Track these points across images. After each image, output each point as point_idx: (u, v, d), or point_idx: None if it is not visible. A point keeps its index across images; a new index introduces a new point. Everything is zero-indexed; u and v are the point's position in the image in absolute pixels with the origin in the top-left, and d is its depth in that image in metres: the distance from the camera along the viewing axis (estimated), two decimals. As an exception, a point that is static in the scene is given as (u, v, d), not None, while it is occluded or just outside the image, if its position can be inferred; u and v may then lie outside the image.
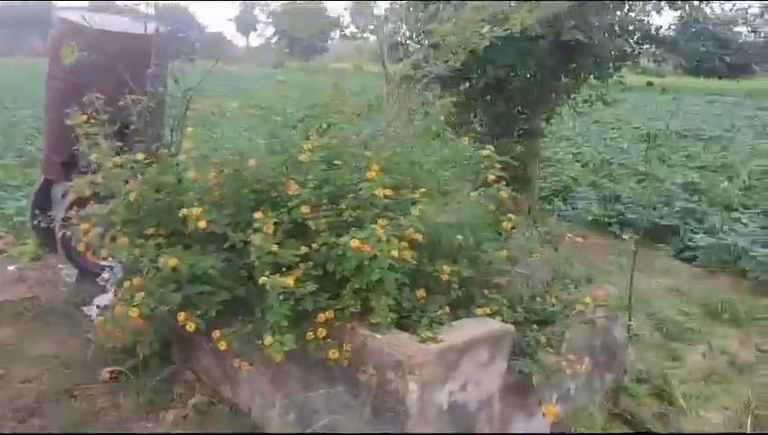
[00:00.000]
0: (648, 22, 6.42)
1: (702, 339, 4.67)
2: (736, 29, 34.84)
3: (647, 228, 7.29)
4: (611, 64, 6.60)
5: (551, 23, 5.18)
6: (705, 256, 6.28)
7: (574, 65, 6.19)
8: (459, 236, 2.97)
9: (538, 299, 3.24)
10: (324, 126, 3.43)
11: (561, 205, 8.28)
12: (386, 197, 2.87)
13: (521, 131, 6.67)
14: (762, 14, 34.05)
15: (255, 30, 68.03)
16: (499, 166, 3.48)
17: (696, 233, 6.87)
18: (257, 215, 2.77)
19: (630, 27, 6.17)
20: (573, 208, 8.15)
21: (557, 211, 8.12)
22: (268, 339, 2.61)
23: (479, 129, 6.88)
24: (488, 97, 6.43)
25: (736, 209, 8.01)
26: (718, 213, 7.61)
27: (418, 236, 2.77)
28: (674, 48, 6.84)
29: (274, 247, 2.69)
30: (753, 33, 35.09)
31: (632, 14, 6.42)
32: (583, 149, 12.44)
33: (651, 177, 9.99)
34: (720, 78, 27.99)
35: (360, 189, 2.86)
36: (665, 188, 8.85)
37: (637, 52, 6.57)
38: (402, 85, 6.51)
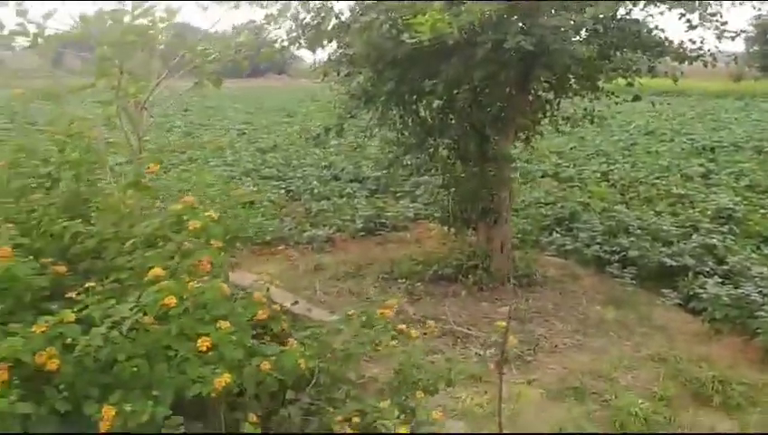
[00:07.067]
0: (645, 24, 5.16)
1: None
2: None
3: (651, 268, 6.06)
4: (603, 74, 5.45)
5: (482, 27, 4.15)
6: (714, 309, 5.03)
7: (540, 76, 5.06)
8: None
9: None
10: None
11: (560, 237, 7.07)
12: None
13: (489, 155, 5.59)
14: None
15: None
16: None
17: (711, 276, 5.59)
18: None
19: (614, 29, 4.95)
20: (576, 241, 6.95)
21: (556, 244, 6.94)
22: None
23: (441, 153, 5.87)
24: (442, 117, 5.42)
25: (774, 243, 6.62)
26: (746, 250, 6.26)
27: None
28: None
29: None
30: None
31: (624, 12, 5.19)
32: (616, 166, 11.04)
33: (684, 200, 8.62)
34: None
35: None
36: (690, 215, 7.51)
37: (635, 60, 5.34)
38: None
